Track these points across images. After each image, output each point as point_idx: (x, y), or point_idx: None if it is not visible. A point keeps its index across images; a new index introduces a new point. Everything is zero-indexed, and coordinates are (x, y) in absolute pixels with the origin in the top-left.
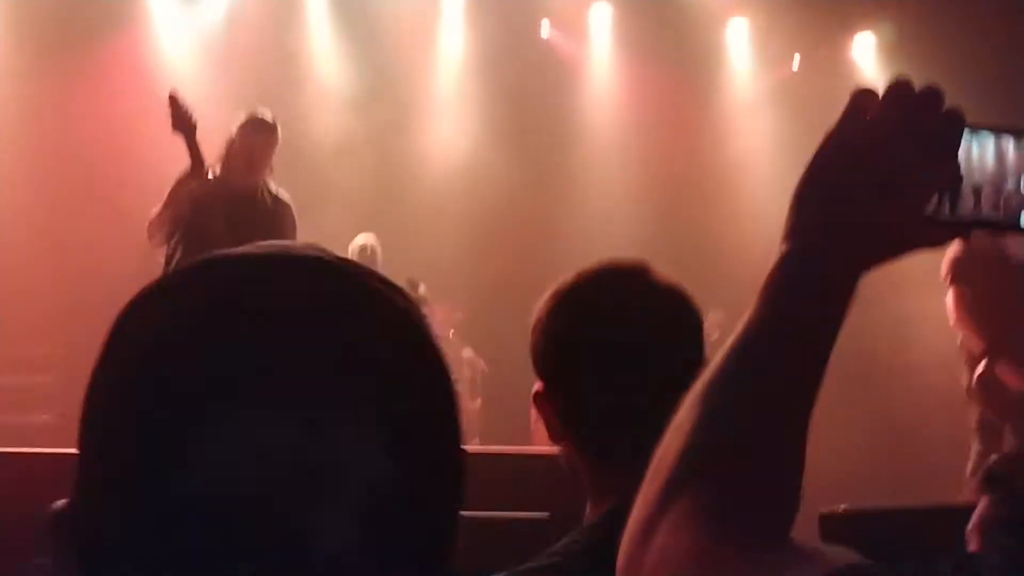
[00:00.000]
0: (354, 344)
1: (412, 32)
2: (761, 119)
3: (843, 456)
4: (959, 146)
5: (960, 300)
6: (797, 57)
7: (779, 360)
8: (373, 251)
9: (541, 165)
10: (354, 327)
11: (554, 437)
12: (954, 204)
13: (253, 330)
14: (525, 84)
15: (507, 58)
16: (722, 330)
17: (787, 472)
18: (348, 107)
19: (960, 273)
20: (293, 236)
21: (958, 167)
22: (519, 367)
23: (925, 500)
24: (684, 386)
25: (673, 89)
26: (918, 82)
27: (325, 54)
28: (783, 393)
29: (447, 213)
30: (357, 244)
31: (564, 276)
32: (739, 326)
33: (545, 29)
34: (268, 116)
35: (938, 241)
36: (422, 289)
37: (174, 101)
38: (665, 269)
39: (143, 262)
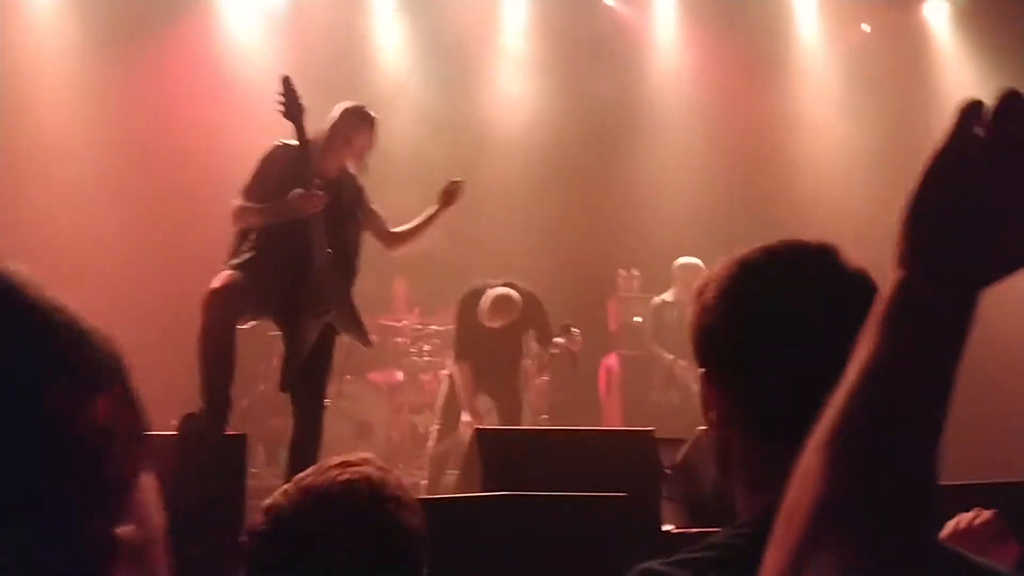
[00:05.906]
0: None
1: (476, 7)
2: (830, 86)
3: None
4: None
5: None
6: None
7: (908, 397)
8: None
9: (606, 138)
10: None
11: (720, 421)
12: None
13: None
14: (589, 58)
15: (571, 30)
16: None
17: (927, 517)
18: (412, 89)
19: None
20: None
21: None
22: (582, 344)
23: (1010, 477)
24: None
25: (740, 58)
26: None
27: (388, 35)
28: (913, 433)
29: (511, 190)
30: None
31: (744, 251)
32: (857, 360)
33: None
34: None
35: None
36: (575, 332)
37: (287, 86)
38: (731, 238)
39: (206, 240)
